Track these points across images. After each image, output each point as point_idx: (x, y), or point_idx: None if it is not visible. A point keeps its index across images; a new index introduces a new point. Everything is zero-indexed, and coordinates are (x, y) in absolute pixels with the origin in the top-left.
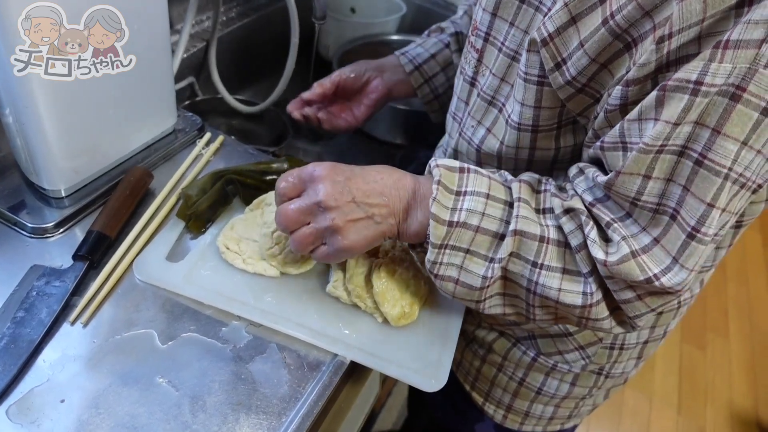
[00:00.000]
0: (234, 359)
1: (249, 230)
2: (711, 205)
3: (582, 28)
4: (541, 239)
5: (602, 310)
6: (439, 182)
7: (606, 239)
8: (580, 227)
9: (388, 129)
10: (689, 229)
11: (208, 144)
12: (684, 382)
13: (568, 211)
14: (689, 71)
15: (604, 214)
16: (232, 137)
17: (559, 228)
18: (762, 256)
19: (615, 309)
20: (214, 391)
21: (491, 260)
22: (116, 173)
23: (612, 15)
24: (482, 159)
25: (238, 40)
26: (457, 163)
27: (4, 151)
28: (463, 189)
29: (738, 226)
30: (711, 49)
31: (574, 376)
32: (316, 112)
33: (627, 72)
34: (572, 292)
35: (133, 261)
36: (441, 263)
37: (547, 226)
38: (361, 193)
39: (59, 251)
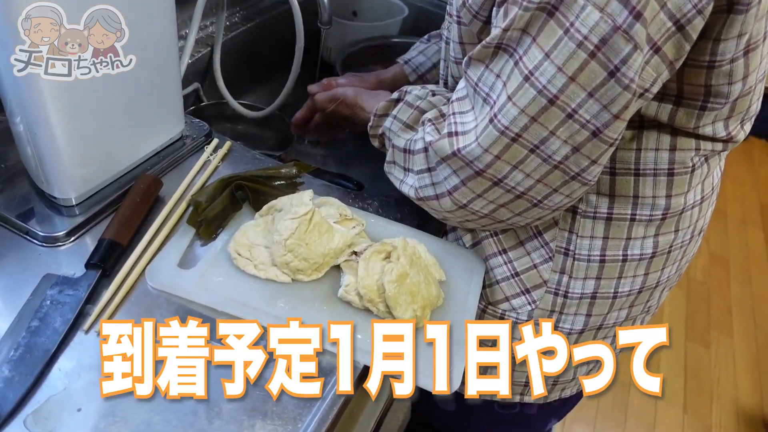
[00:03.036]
0: None
1: (260, 236)
2: (509, 98)
3: None
4: (405, 150)
5: (435, 204)
6: (375, 112)
7: (438, 130)
8: (424, 136)
9: None
10: (491, 114)
11: (215, 150)
12: (689, 381)
13: (422, 123)
14: None
15: (452, 109)
16: (238, 142)
17: (416, 140)
18: (765, 254)
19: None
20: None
21: (386, 160)
22: (126, 181)
23: None
24: None
25: (242, 44)
26: (396, 96)
27: (12, 159)
28: (391, 113)
29: (670, 173)
30: None
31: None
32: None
33: None
34: (410, 186)
35: (145, 268)
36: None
37: (411, 140)
38: (354, 112)
39: (71, 260)
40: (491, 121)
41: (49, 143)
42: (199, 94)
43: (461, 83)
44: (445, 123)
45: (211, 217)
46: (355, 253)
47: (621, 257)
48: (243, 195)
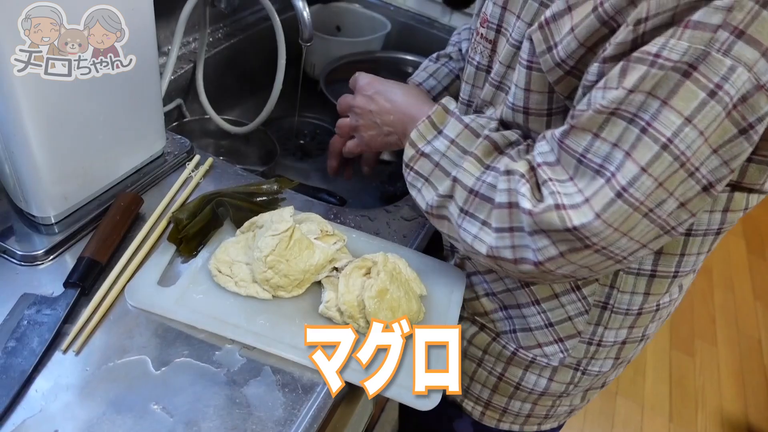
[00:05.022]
0: (228, 383)
1: (241, 253)
2: (644, 170)
3: (575, 15)
4: (471, 191)
5: (508, 265)
6: (429, 117)
7: (536, 196)
8: (511, 191)
9: None
10: (618, 188)
11: (197, 166)
12: (674, 389)
13: (508, 172)
14: (653, 45)
15: (546, 174)
16: (221, 158)
17: (493, 186)
18: (746, 261)
19: (524, 263)
20: (209, 416)
21: (437, 192)
22: (106, 198)
23: (601, 2)
24: None
25: (224, 60)
26: (453, 105)
27: None
28: (442, 129)
29: (717, 232)
30: (674, 27)
31: (551, 371)
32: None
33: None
34: (482, 241)
35: (124, 287)
36: (407, 179)
37: (483, 181)
38: (377, 108)
39: (50, 279)
40: (620, 195)
41: (28, 161)
42: (182, 109)
43: (544, 145)
44: (545, 191)
45: (191, 234)
46: (336, 269)
47: (655, 307)
48: (224, 212)
